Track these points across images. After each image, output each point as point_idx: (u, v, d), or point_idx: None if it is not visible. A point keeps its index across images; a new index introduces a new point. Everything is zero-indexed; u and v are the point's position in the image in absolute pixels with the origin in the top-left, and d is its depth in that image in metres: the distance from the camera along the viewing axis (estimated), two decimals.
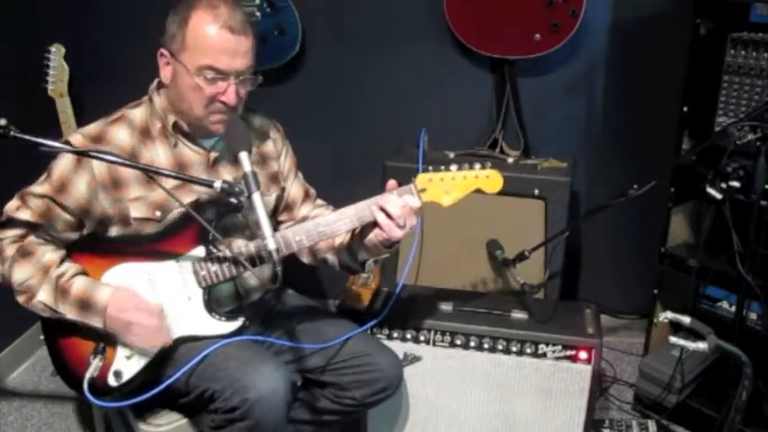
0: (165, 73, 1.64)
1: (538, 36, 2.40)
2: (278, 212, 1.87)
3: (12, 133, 1.43)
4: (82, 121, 2.52)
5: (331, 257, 1.81)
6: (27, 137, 1.45)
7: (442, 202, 1.66)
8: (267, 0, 2.49)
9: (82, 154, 1.53)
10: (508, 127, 2.61)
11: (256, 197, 1.49)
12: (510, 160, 2.49)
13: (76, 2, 2.68)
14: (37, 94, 2.53)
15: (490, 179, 1.66)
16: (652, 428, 2.24)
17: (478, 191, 1.67)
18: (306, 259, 1.86)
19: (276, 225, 1.86)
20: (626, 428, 2.24)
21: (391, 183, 1.65)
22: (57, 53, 2.52)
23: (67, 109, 2.55)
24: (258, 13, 2.52)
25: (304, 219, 1.85)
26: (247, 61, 1.61)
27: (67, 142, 1.62)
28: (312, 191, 1.93)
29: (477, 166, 1.66)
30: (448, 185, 1.65)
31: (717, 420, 2.01)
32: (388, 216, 1.58)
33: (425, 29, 2.58)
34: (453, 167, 1.65)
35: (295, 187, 1.88)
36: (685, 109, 2.16)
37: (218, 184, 1.50)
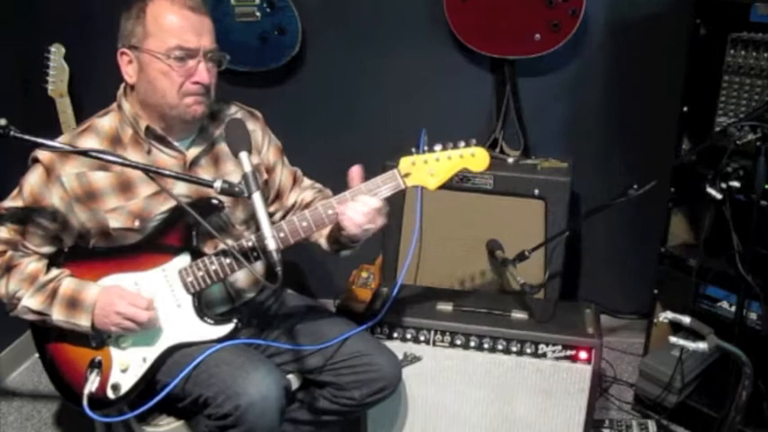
0: (129, 71, 1.62)
1: (538, 36, 2.40)
2: (267, 203, 1.84)
3: (12, 133, 1.43)
4: (82, 121, 2.52)
5: (323, 242, 1.80)
6: (27, 137, 1.45)
7: (428, 186, 1.61)
8: (267, 0, 2.50)
9: (83, 154, 1.52)
10: (508, 127, 2.61)
11: (256, 197, 1.48)
12: (510, 160, 2.49)
13: (76, 2, 2.68)
14: (37, 94, 2.53)
15: (476, 157, 1.61)
16: (652, 428, 2.24)
17: (466, 170, 1.62)
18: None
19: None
20: (626, 428, 2.24)
21: (355, 169, 1.62)
22: (57, 53, 2.52)
23: (67, 109, 2.55)
24: (258, 13, 2.52)
25: (293, 205, 1.85)
26: (212, 38, 1.61)
27: (35, 159, 1.61)
28: (299, 173, 1.91)
29: (462, 144, 1.61)
30: (432, 167, 1.61)
31: (717, 420, 2.01)
32: (352, 222, 1.57)
33: (425, 29, 2.58)
34: (437, 148, 1.61)
35: (284, 175, 1.86)
36: (685, 109, 2.15)
37: (218, 184, 1.49)
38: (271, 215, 1.85)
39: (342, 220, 1.58)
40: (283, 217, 1.83)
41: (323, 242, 1.77)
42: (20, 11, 2.61)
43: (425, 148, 1.62)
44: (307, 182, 1.91)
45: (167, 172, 1.54)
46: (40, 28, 2.65)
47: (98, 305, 1.59)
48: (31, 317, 1.64)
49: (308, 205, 1.82)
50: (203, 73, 1.58)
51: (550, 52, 2.42)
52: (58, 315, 1.61)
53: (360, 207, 1.57)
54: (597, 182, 2.63)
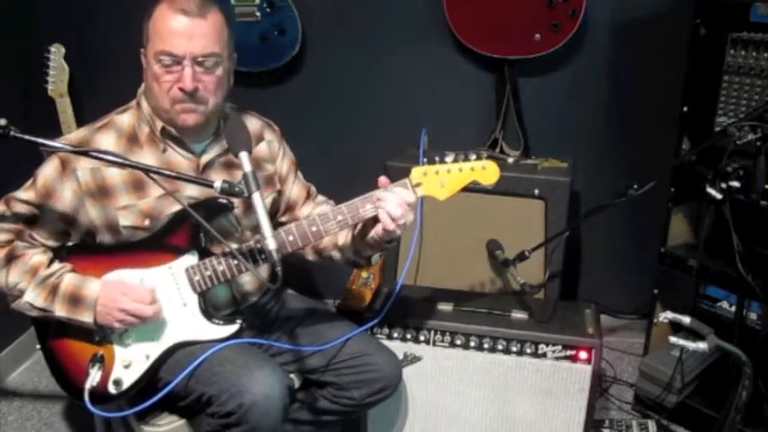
0: (144, 70, 1.64)
1: (538, 36, 2.40)
2: (278, 214, 1.86)
3: (12, 133, 1.43)
4: (82, 121, 2.52)
5: (336, 254, 1.80)
6: (27, 137, 1.45)
7: (438, 196, 1.63)
8: (267, 0, 2.50)
9: (83, 154, 1.53)
10: (508, 127, 2.61)
11: (256, 197, 1.48)
12: (510, 160, 2.49)
13: (76, 2, 2.68)
14: (37, 94, 2.53)
15: (486, 170, 1.63)
16: (652, 428, 2.25)
17: (475, 183, 1.64)
18: (311, 257, 1.85)
19: (277, 226, 1.85)
20: (626, 428, 2.24)
21: (383, 179, 1.63)
22: (57, 53, 2.53)
23: (67, 109, 2.55)
24: (258, 13, 2.52)
25: (307, 218, 1.84)
26: (204, 44, 1.56)
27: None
28: (313, 189, 1.92)
29: (473, 157, 1.62)
30: (443, 178, 1.62)
31: (717, 420, 2.01)
32: (388, 215, 1.57)
33: (425, 29, 2.58)
34: (449, 159, 1.62)
35: (296, 188, 1.87)
36: (685, 109, 2.15)
37: (218, 184, 1.48)
38: (281, 225, 1.86)
39: (379, 212, 1.58)
40: None
41: (350, 252, 1.75)
42: (20, 11, 2.61)
43: (436, 157, 1.62)
44: (321, 198, 1.91)
45: (167, 172, 1.54)
46: (40, 28, 2.65)
47: (100, 301, 1.59)
48: (33, 313, 1.64)
49: None
50: (186, 79, 1.55)
51: (550, 52, 2.42)
52: (60, 312, 1.61)
53: (398, 199, 1.57)
54: (597, 182, 2.63)
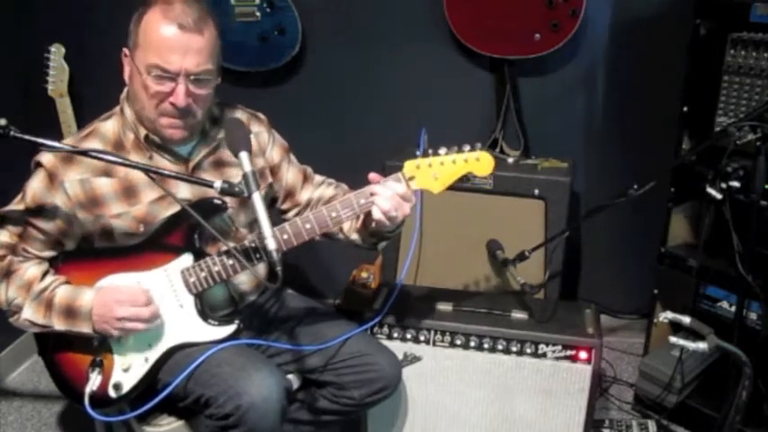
0: (126, 72, 1.61)
1: (538, 36, 2.40)
2: (279, 202, 1.86)
3: (12, 133, 1.43)
4: (82, 121, 2.53)
5: (341, 236, 1.80)
6: (27, 137, 1.45)
7: (432, 189, 1.62)
8: (267, 0, 2.50)
9: (83, 154, 1.52)
10: (508, 127, 2.61)
11: (256, 196, 1.47)
12: (510, 160, 2.48)
13: (76, 2, 2.68)
14: (37, 94, 2.53)
15: (480, 161, 1.62)
16: (652, 428, 2.25)
17: (470, 174, 1.63)
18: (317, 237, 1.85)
19: (281, 213, 1.87)
20: (626, 428, 2.24)
21: (373, 176, 1.62)
22: (57, 53, 2.53)
23: (67, 109, 2.55)
24: (258, 13, 2.52)
25: (309, 202, 1.84)
26: (200, 60, 1.54)
27: (38, 163, 1.60)
28: (309, 170, 1.90)
29: (467, 148, 1.61)
30: (437, 171, 1.61)
31: (717, 420, 2.01)
32: (379, 209, 1.57)
33: (425, 29, 2.58)
34: (442, 152, 1.61)
35: (291, 173, 1.85)
36: (685, 109, 2.15)
37: (218, 184, 1.48)
38: (284, 212, 1.86)
39: (372, 207, 1.58)
40: (297, 214, 1.82)
41: (355, 237, 1.77)
42: (20, 11, 2.61)
43: (429, 150, 1.61)
44: (318, 178, 1.90)
45: (166, 172, 1.54)
46: (40, 28, 2.65)
47: (94, 311, 1.58)
48: (36, 329, 1.64)
49: (329, 201, 1.80)
50: (179, 96, 1.54)
51: (550, 52, 2.42)
52: (59, 325, 1.60)
53: (387, 192, 1.57)
54: (597, 182, 2.63)
